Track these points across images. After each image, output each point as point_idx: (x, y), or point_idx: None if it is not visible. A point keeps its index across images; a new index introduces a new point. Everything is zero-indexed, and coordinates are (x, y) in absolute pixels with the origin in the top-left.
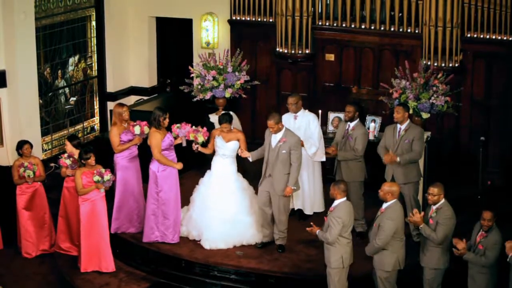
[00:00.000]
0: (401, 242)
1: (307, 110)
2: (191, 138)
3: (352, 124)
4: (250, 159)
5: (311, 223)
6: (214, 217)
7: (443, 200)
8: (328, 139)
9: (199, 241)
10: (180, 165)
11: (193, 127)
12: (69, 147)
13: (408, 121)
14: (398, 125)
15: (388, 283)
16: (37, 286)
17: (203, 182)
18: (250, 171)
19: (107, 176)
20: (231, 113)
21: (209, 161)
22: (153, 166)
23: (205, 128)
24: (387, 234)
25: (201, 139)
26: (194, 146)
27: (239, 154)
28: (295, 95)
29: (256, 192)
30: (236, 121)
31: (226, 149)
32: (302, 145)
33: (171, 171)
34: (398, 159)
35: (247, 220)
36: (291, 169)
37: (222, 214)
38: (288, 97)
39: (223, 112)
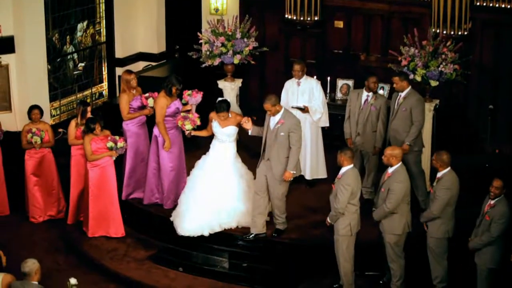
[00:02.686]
0: (409, 206)
1: (309, 76)
2: (179, 125)
3: (371, 94)
4: (250, 132)
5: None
6: (203, 203)
7: (446, 170)
8: (336, 106)
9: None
10: (167, 146)
11: (189, 112)
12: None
13: (408, 88)
14: (399, 93)
15: (397, 247)
16: (44, 251)
17: (198, 166)
18: (252, 149)
19: (121, 143)
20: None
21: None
22: (156, 130)
23: (195, 115)
24: (398, 198)
25: (188, 127)
26: (186, 132)
27: (242, 125)
28: (301, 62)
29: (254, 176)
30: (234, 106)
31: (223, 134)
32: (308, 111)
33: (172, 137)
34: (407, 143)
35: (242, 208)
36: (290, 152)
37: (211, 199)
38: (294, 64)
39: (220, 99)
